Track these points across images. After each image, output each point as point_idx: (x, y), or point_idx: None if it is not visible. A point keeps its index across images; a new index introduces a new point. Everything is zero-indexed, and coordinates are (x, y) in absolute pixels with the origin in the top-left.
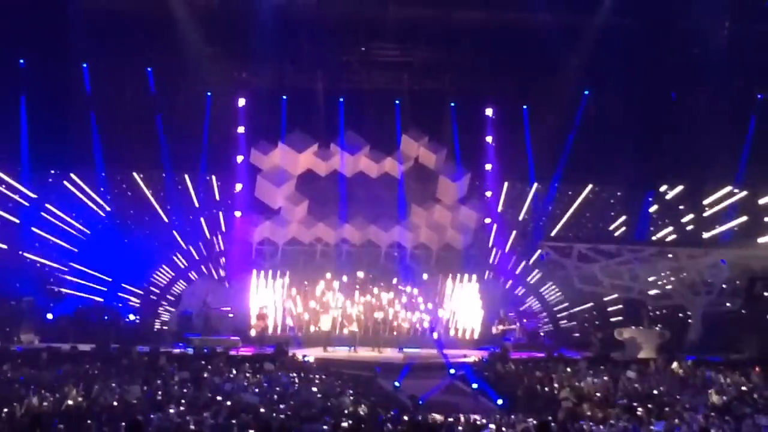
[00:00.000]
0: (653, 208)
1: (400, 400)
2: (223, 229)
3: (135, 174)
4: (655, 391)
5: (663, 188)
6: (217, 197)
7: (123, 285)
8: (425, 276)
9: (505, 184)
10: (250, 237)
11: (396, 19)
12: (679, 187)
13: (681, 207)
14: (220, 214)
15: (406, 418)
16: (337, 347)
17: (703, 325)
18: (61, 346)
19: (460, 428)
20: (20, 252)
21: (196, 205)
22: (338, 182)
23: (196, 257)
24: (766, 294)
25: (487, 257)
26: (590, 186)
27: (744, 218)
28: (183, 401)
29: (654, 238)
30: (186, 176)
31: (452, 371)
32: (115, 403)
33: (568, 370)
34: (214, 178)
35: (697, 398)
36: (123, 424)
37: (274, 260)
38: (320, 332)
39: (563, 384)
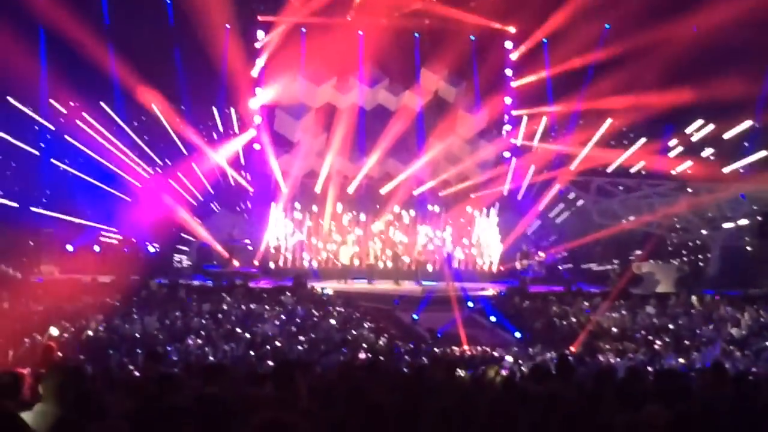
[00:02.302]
0: (672, 142)
1: (419, 333)
2: (243, 162)
3: (154, 106)
4: (672, 326)
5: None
6: (235, 131)
7: (143, 217)
8: (438, 209)
9: (524, 118)
10: (270, 170)
11: None
12: (699, 122)
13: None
14: (240, 147)
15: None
16: (355, 280)
17: (722, 260)
18: (81, 277)
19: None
20: (40, 183)
21: (218, 137)
22: (357, 115)
23: (213, 191)
24: None
25: (507, 191)
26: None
27: (764, 152)
28: (202, 333)
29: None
30: (209, 108)
31: (471, 304)
32: (136, 335)
33: (586, 303)
34: (233, 110)
35: (716, 332)
36: (141, 353)
37: (293, 193)
38: (339, 265)
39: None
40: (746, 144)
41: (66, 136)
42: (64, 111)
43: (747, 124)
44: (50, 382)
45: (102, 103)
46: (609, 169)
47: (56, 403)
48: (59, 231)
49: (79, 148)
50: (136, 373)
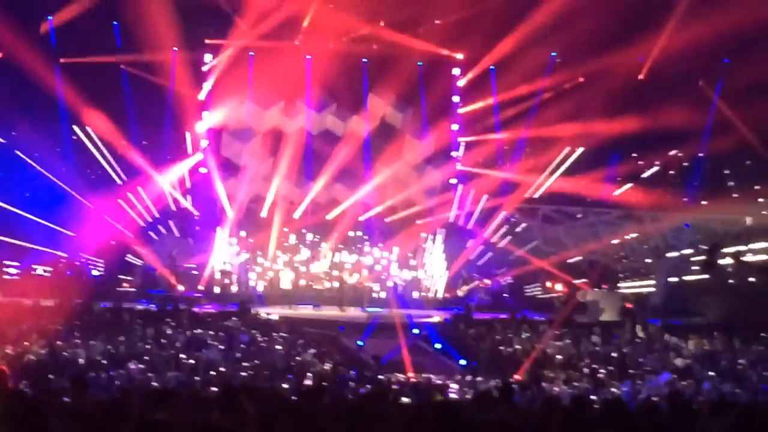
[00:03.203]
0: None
1: (364, 359)
2: (189, 185)
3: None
4: (616, 354)
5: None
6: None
7: (87, 240)
8: (386, 234)
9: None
10: (215, 194)
11: None
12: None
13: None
14: (186, 170)
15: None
16: (301, 306)
17: (666, 289)
18: (24, 300)
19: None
20: None
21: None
22: (305, 140)
23: (159, 215)
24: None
25: (452, 218)
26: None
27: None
28: (145, 358)
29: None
30: (156, 131)
31: (416, 331)
32: (79, 360)
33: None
34: (181, 133)
35: (660, 361)
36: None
37: (239, 217)
38: (284, 290)
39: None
40: (691, 173)
41: (17, 151)
42: (12, 133)
43: (692, 153)
44: None
45: (47, 125)
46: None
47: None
48: (1, 253)
49: (25, 169)
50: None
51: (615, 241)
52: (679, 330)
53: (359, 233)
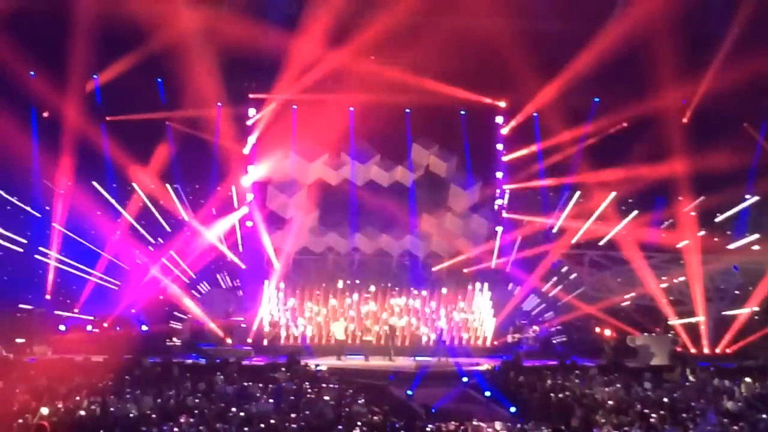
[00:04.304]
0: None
1: (413, 409)
2: (236, 239)
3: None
4: (667, 399)
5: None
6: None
7: (135, 295)
8: (433, 283)
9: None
10: (262, 246)
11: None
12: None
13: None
14: (230, 224)
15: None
16: (350, 356)
17: (716, 332)
18: (74, 357)
19: None
20: (33, 260)
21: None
22: (349, 191)
23: (206, 268)
24: None
25: (499, 265)
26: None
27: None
28: (195, 411)
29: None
30: (202, 186)
31: (465, 379)
32: (129, 414)
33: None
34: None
35: (711, 404)
36: None
37: (286, 270)
38: (333, 342)
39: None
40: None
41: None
42: (61, 191)
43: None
44: None
45: (95, 183)
46: (601, 242)
47: None
48: (51, 311)
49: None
50: None
51: (663, 285)
52: (731, 373)
53: (406, 283)
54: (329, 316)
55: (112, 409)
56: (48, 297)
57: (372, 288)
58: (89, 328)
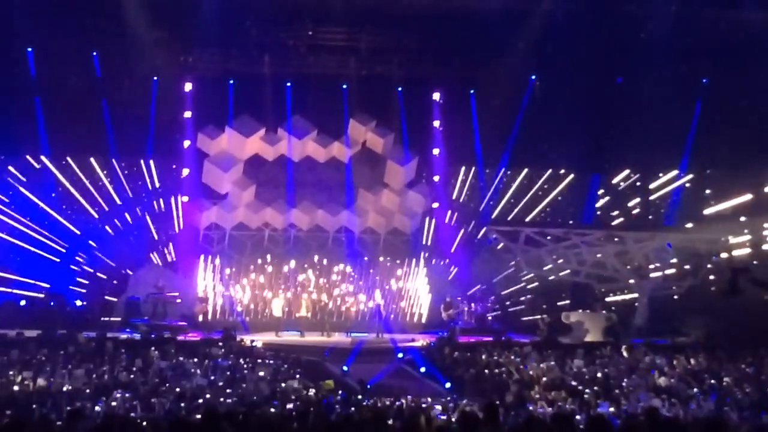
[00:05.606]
0: (600, 192)
1: (349, 384)
2: (172, 214)
3: (80, 159)
4: (600, 375)
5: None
6: (163, 183)
7: (69, 270)
8: (369, 259)
9: (452, 169)
10: (198, 222)
11: (343, 2)
12: (626, 172)
13: (627, 192)
14: (165, 199)
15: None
16: (285, 332)
17: (650, 309)
18: (7, 332)
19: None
20: None
21: (146, 189)
22: (286, 167)
23: (142, 243)
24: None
25: (435, 242)
26: (540, 170)
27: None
28: (130, 387)
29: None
30: (133, 162)
31: (400, 355)
32: (64, 389)
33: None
34: (161, 163)
35: (643, 381)
36: (68, 409)
37: (222, 245)
38: (269, 317)
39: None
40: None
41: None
42: None
43: (673, 173)
44: None
45: (29, 157)
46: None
47: None
48: None
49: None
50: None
51: (598, 262)
52: (663, 349)
53: (342, 259)
54: (266, 291)
55: (45, 383)
56: None
57: (308, 261)
58: (23, 303)
